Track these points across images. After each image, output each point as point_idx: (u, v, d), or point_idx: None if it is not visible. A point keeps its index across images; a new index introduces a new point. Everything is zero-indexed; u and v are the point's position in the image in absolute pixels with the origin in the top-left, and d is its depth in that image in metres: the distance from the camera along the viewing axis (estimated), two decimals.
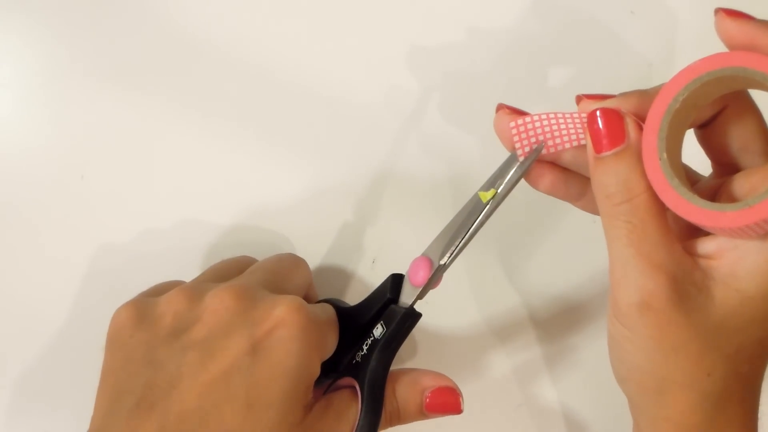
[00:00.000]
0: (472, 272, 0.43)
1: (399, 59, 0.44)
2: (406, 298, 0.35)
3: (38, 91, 0.44)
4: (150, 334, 0.34)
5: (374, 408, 0.34)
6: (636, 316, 0.28)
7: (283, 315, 0.33)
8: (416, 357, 0.42)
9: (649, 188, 0.28)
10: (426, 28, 0.44)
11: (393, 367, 0.35)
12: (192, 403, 0.31)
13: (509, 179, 0.33)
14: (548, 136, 0.32)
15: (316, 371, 0.34)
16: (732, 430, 0.30)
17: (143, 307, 0.35)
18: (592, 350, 0.42)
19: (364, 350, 0.35)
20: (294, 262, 0.40)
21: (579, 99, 0.31)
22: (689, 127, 0.31)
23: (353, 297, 0.39)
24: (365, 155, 0.43)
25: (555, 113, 0.31)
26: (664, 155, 0.28)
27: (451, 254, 0.34)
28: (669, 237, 0.29)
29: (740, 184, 0.29)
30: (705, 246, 0.29)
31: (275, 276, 0.37)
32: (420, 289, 0.35)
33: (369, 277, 0.42)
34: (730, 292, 0.28)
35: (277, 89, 0.44)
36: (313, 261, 0.42)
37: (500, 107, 0.33)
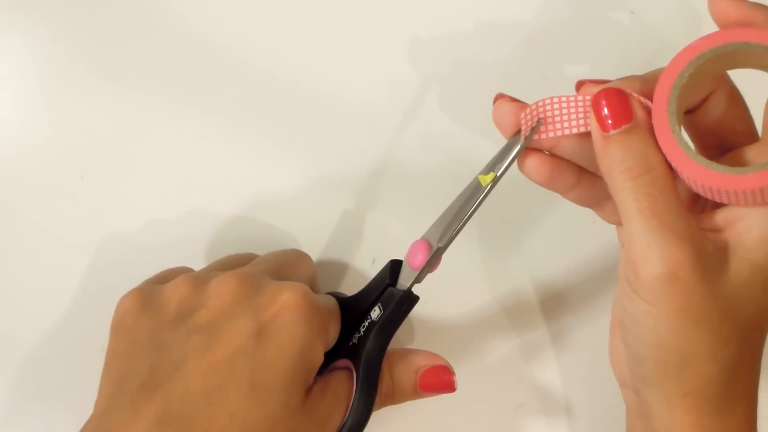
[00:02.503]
0: (470, 258, 0.43)
1: (399, 52, 0.44)
2: (405, 281, 0.35)
3: (38, 91, 0.44)
4: (155, 320, 0.34)
5: (369, 389, 0.34)
6: (662, 288, 0.28)
7: (288, 300, 0.33)
8: (414, 343, 0.42)
9: (664, 162, 0.29)
10: (425, 20, 0.45)
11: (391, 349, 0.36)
12: (196, 385, 0.32)
13: (508, 159, 0.33)
14: (549, 120, 0.32)
15: (320, 358, 0.34)
16: (742, 403, 0.30)
17: (148, 293, 0.35)
18: (590, 333, 0.42)
19: (362, 332, 0.35)
20: (298, 255, 0.40)
21: (580, 84, 0.32)
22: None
23: (353, 291, 0.39)
24: (367, 149, 0.43)
25: (559, 96, 0.31)
26: (677, 128, 0.28)
27: (450, 237, 0.34)
28: (684, 209, 0.29)
29: (741, 158, 0.30)
30: (713, 219, 0.30)
31: (280, 267, 0.37)
32: (418, 272, 0.35)
33: (369, 273, 0.42)
34: (742, 261, 0.29)
35: (277, 84, 0.44)
36: (313, 255, 0.42)
37: (499, 97, 0.33)
